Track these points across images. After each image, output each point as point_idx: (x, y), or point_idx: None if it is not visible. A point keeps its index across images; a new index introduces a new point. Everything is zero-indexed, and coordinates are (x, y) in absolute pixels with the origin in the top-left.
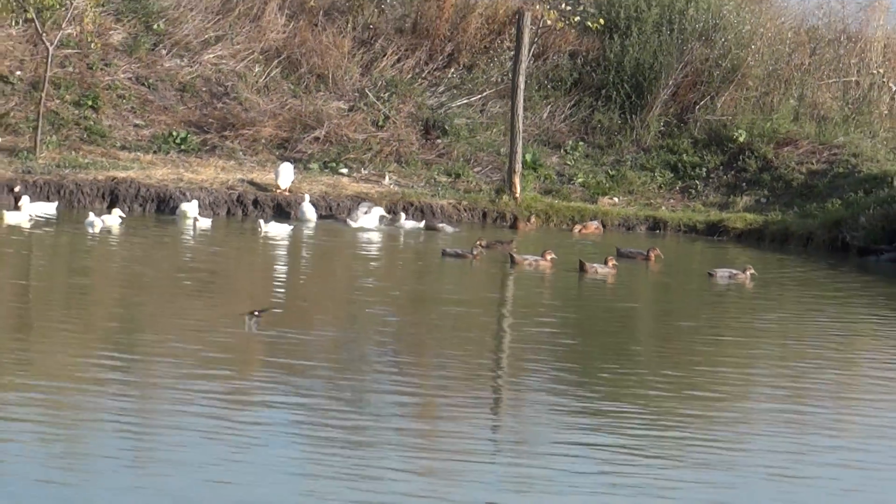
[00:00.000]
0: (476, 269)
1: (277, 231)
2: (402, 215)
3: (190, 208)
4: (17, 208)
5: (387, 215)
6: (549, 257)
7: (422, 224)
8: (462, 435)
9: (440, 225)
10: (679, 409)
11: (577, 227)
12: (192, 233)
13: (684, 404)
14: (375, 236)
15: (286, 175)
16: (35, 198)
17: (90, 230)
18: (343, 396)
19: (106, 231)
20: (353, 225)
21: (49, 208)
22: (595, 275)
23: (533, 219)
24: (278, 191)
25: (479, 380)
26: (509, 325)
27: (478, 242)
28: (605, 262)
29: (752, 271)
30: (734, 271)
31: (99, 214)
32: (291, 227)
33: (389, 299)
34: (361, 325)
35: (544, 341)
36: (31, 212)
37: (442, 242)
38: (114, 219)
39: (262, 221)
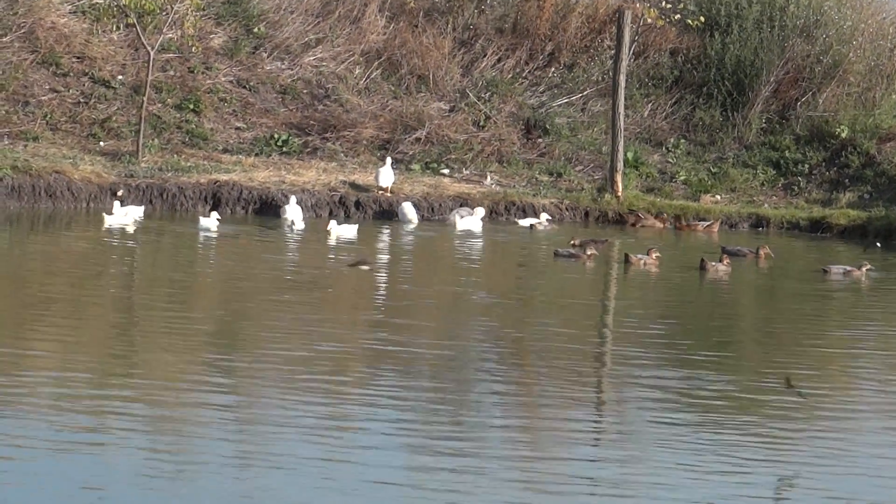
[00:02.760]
0: (589, 269)
1: (344, 232)
2: (544, 216)
3: (292, 213)
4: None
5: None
6: (654, 255)
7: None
8: (564, 462)
9: (534, 222)
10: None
11: (685, 223)
12: (289, 235)
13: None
14: (480, 237)
15: (387, 176)
16: (137, 201)
17: (202, 233)
18: (448, 412)
19: (204, 233)
20: (458, 226)
21: (137, 212)
22: (716, 273)
23: (650, 217)
24: (379, 192)
25: (584, 402)
26: (623, 330)
27: (571, 242)
28: (721, 260)
29: (869, 267)
30: (848, 268)
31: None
32: (356, 226)
33: (502, 302)
34: (472, 333)
35: (668, 350)
36: (129, 215)
37: (536, 240)
38: (211, 221)
39: (333, 223)
